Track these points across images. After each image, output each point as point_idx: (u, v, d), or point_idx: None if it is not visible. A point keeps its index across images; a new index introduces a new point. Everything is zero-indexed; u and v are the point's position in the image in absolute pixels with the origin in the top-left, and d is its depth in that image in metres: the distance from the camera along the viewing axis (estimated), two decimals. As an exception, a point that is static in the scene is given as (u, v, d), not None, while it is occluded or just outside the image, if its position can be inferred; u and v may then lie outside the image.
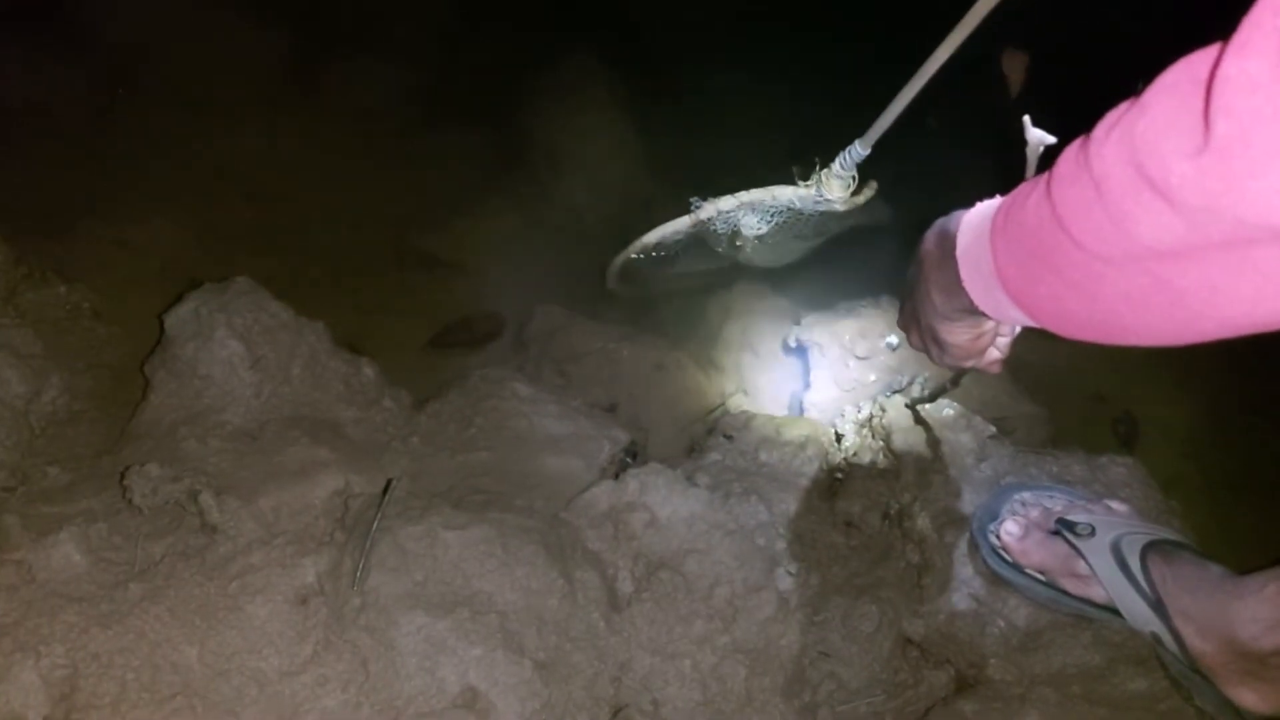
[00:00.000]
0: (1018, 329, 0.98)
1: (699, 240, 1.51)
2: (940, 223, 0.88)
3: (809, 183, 1.28)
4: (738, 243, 1.48)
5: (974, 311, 0.82)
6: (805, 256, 1.63)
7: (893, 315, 1.59)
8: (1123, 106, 0.58)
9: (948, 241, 0.83)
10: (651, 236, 1.52)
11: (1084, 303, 0.66)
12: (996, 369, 1.01)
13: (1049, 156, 0.73)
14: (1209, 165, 0.50)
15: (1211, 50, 0.51)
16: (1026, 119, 0.84)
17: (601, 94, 2.38)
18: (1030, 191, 0.69)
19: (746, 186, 1.36)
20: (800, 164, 1.28)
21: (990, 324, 0.91)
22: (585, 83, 2.39)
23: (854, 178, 1.25)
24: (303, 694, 0.97)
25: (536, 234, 2.09)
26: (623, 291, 1.78)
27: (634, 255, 1.59)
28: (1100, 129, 0.60)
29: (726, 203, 1.39)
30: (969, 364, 0.98)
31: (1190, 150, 0.51)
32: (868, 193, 1.29)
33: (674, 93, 2.42)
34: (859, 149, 1.17)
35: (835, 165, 1.22)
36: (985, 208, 0.80)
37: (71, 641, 0.95)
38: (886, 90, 1.11)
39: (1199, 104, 0.50)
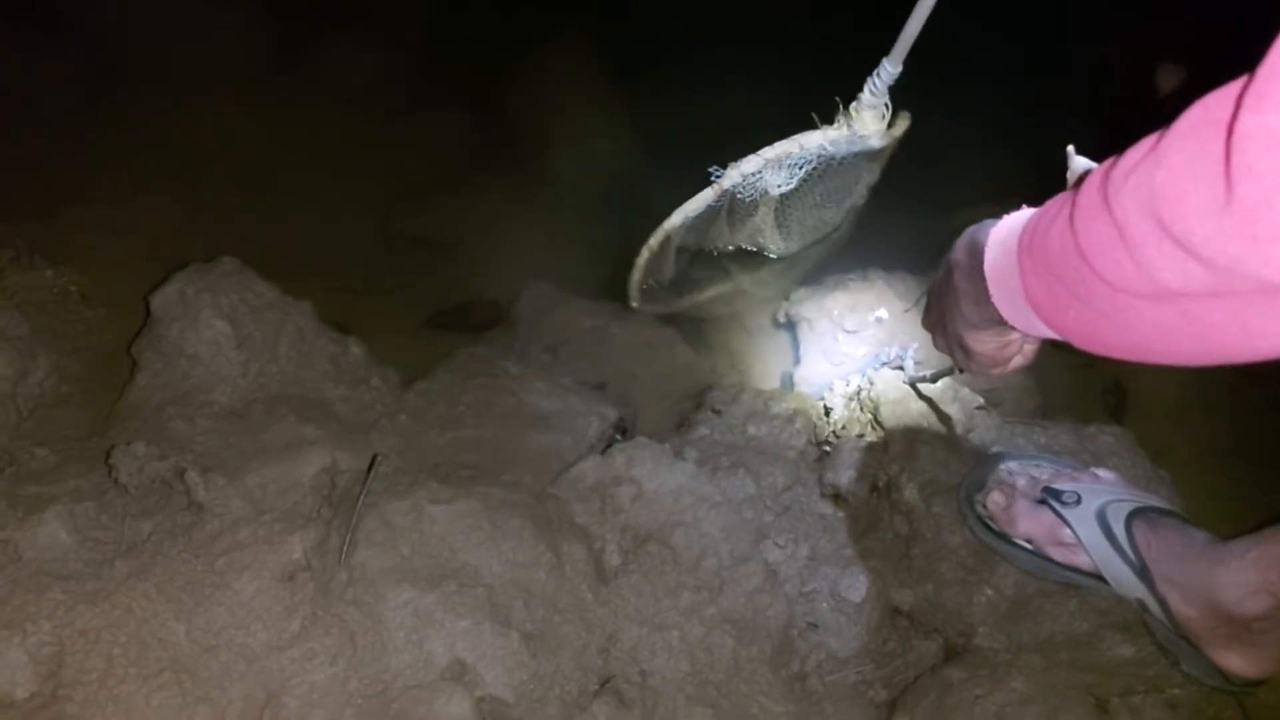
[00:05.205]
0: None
1: (715, 220, 1.37)
2: (970, 232, 0.87)
3: (837, 124, 1.17)
4: (756, 216, 1.38)
5: (1001, 322, 0.82)
6: (841, 232, 1.53)
7: (881, 289, 1.59)
8: (1143, 146, 0.57)
9: (976, 253, 0.83)
10: (674, 220, 1.35)
11: (1113, 330, 0.65)
12: (1019, 370, 1.00)
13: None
14: (1231, 228, 0.49)
15: (1230, 89, 0.49)
16: (1070, 148, 0.83)
17: (588, 71, 2.37)
18: (1055, 215, 0.68)
19: (744, 153, 1.26)
20: (817, 110, 1.18)
21: (1017, 334, 0.90)
22: (571, 60, 2.38)
23: (887, 105, 1.14)
24: (290, 668, 0.97)
25: (525, 213, 2.08)
26: (646, 307, 1.60)
27: (653, 250, 1.41)
28: (1119, 170, 0.58)
29: (750, 163, 1.25)
30: (994, 371, 0.97)
31: (1212, 208, 0.49)
32: (903, 124, 1.18)
33: (661, 67, 2.41)
34: (889, 68, 1.07)
35: (864, 94, 1.12)
36: (1013, 223, 0.79)
37: (59, 619, 0.95)
38: (887, 46, 1.08)
39: (1219, 150, 0.48)
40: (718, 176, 1.28)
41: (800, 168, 1.26)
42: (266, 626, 0.99)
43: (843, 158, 1.25)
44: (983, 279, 0.81)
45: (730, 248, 1.48)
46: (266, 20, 2.25)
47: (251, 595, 1.00)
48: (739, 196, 1.30)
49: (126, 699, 0.92)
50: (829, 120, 1.19)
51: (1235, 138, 0.47)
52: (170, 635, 0.97)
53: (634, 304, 1.56)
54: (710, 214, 1.36)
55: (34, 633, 0.93)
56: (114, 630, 0.95)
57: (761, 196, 1.31)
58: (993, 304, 0.81)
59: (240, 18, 2.21)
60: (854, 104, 1.15)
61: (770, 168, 1.25)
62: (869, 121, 1.15)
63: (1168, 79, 1.86)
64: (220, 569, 1.01)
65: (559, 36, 2.43)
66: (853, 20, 1.12)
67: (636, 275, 1.49)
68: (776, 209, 1.39)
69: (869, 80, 1.11)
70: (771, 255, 1.52)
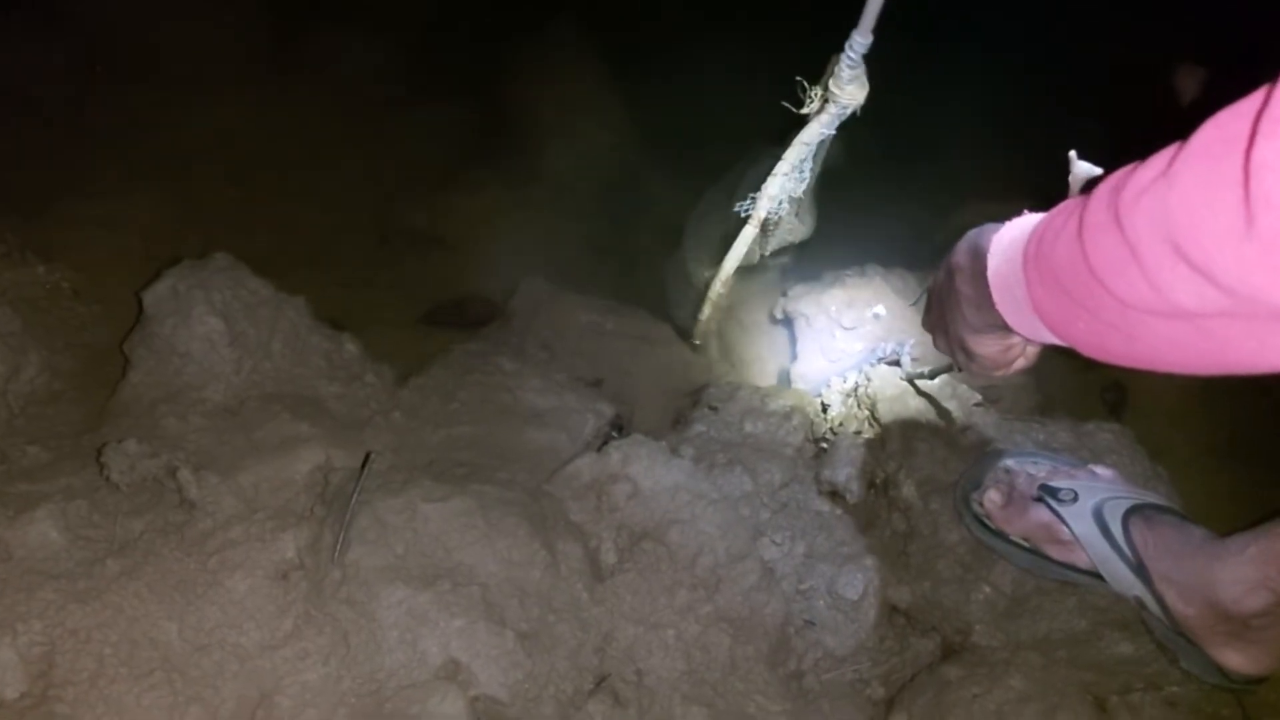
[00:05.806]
0: None
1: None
2: (972, 235, 0.86)
3: (817, 103, 1.21)
4: (784, 220, 1.43)
5: (1004, 327, 0.81)
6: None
7: (879, 285, 1.58)
8: (1155, 164, 0.55)
9: (979, 258, 0.82)
10: (728, 268, 1.46)
11: (1123, 341, 0.64)
12: (1021, 371, 0.99)
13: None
14: (1253, 258, 0.47)
15: (1245, 106, 0.48)
16: (1073, 153, 0.82)
17: (585, 65, 2.36)
18: (1061, 228, 0.67)
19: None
20: (786, 99, 1.22)
21: (1019, 337, 0.89)
22: (568, 54, 2.37)
23: (864, 71, 1.17)
24: (283, 668, 0.96)
25: (523, 208, 2.07)
26: (708, 340, 1.76)
27: (716, 304, 1.55)
28: (1131, 189, 0.57)
29: (773, 186, 1.32)
30: (997, 373, 0.96)
31: (1231, 236, 0.48)
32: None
33: (657, 61, 2.40)
34: (859, 40, 1.10)
35: (843, 71, 1.15)
36: (1016, 230, 0.78)
37: (49, 618, 0.94)
38: (886, 33, 1.08)
39: (1236, 174, 0.47)
40: (749, 211, 1.36)
41: (804, 163, 1.31)
42: (259, 625, 0.98)
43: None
44: (985, 284, 0.80)
45: (766, 253, 1.52)
46: (263, 15, 2.24)
47: (244, 594, 0.99)
48: (770, 217, 1.38)
49: (118, 699, 0.91)
50: (799, 105, 1.23)
51: (1253, 165, 0.46)
52: (162, 634, 0.96)
53: (698, 343, 1.75)
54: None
55: (24, 632, 0.92)
56: (105, 630, 0.94)
57: (787, 206, 1.38)
58: (996, 310, 0.80)
59: (237, 13, 2.20)
60: (833, 80, 1.18)
61: (785, 181, 1.32)
62: (854, 92, 1.18)
63: (1171, 80, 1.85)
64: (213, 568, 1.00)
65: (557, 31, 2.42)
66: (850, 12, 1.12)
67: (703, 326, 1.66)
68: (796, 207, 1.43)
69: (843, 55, 1.14)
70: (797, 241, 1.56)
